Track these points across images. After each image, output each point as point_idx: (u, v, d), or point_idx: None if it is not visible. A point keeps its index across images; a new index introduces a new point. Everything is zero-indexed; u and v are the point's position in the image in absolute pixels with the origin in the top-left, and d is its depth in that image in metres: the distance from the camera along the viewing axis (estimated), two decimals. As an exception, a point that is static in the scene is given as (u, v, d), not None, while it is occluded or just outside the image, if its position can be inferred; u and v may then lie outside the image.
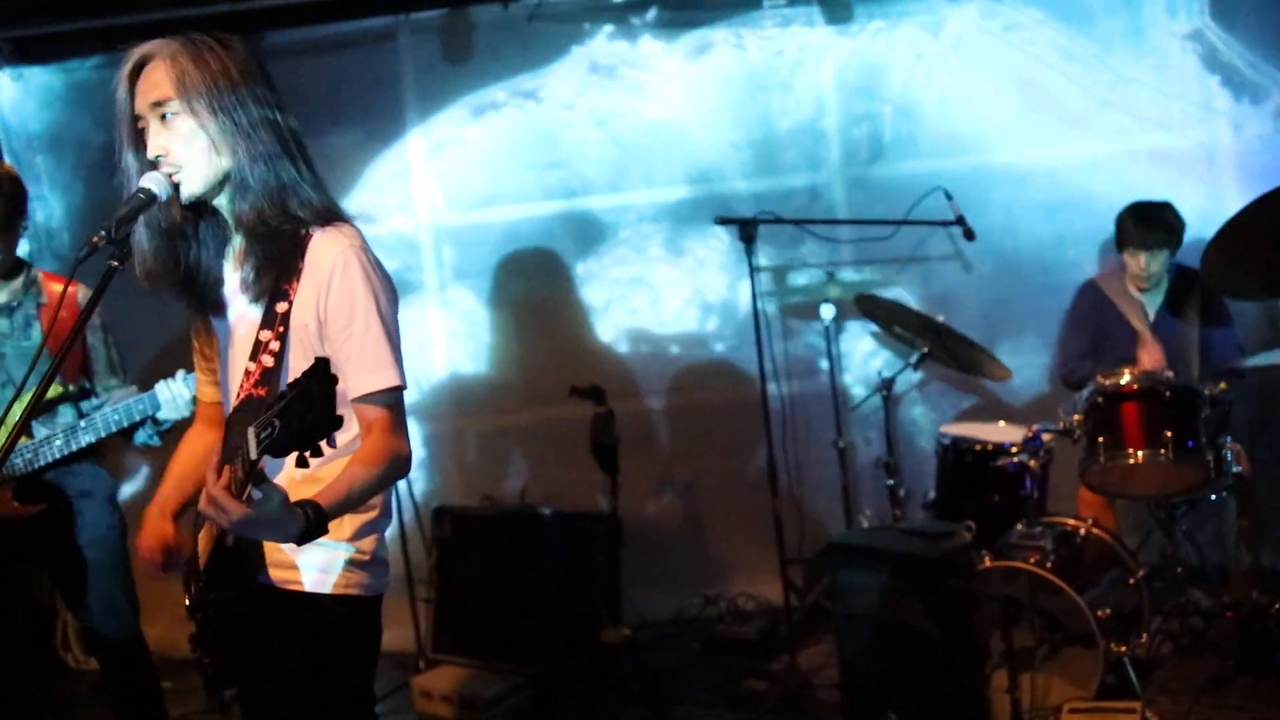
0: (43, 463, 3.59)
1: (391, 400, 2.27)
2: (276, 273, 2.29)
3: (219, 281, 2.41)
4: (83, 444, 3.59)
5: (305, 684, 2.33)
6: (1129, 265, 4.85)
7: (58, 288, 3.82)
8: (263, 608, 2.33)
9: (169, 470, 2.63)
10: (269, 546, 2.31)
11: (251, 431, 1.88)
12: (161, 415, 3.53)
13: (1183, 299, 4.88)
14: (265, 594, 2.33)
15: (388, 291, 2.33)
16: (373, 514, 2.37)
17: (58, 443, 3.58)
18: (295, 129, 2.38)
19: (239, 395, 2.30)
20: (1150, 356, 4.72)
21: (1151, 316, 4.91)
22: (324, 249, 2.29)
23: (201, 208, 2.33)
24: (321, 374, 1.82)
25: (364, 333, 2.26)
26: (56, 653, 5.42)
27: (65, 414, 3.76)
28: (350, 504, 2.19)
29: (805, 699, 4.55)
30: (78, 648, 5.39)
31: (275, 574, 2.33)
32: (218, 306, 2.43)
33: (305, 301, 2.28)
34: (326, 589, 2.33)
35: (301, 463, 1.89)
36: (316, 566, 2.33)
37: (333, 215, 2.35)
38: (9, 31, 5.44)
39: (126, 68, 2.25)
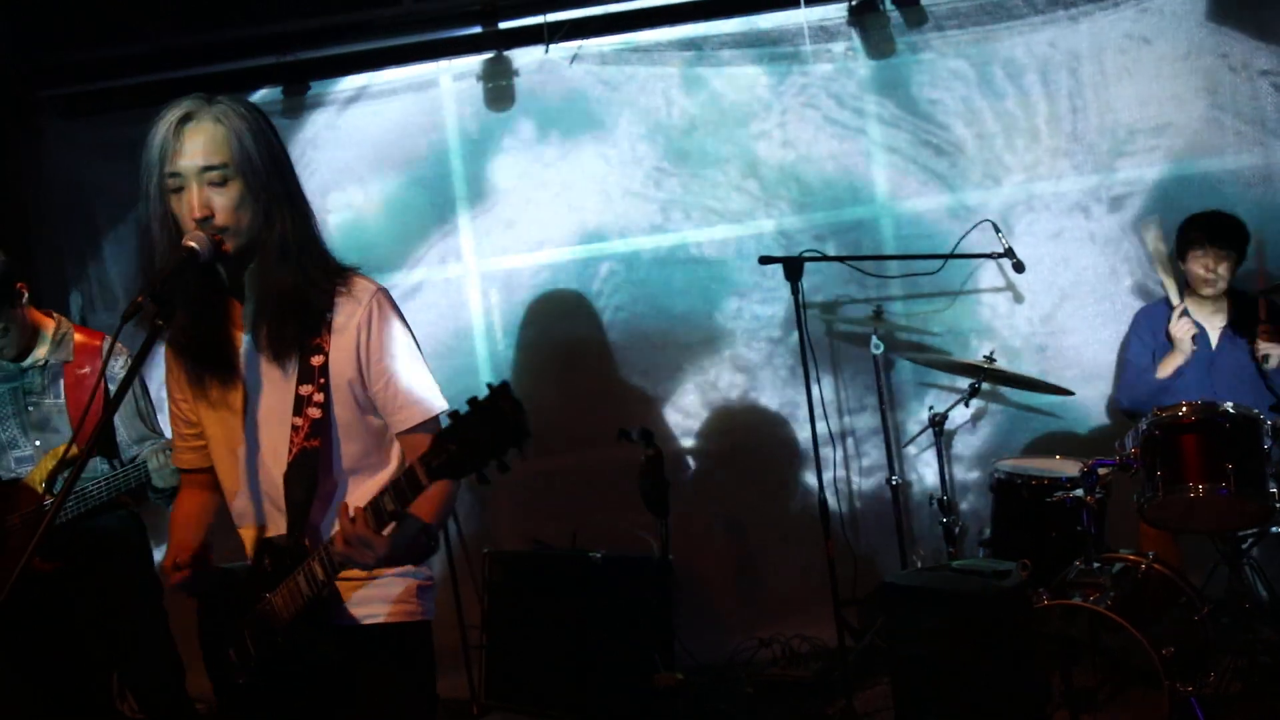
0: (59, 520, 3.60)
1: (439, 423, 2.40)
2: (304, 329, 2.35)
3: (229, 342, 2.44)
4: (78, 512, 3.66)
5: (403, 714, 2.46)
6: (1194, 270, 4.77)
7: (82, 339, 3.90)
8: (350, 650, 2.40)
9: (172, 531, 2.65)
10: (347, 589, 2.41)
11: (416, 464, 2.04)
12: (155, 483, 3.58)
13: (1245, 324, 4.78)
14: (350, 636, 2.41)
15: (409, 325, 2.49)
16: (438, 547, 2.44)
17: (71, 503, 3.64)
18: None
19: (291, 451, 2.36)
20: (1179, 327, 4.71)
21: (1214, 342, 4.81)
22: (353, 299, 2.40)
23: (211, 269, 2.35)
24: (506, 393, 1.93)
25: (408, 368, 2.41)
26: (113, 703, 5.45)
27: (94, 468, 3.80)
28: (443, 522, 2.34)
29: (862, 743, 4.47)
30: (134, 698, 5.41)
31: (359, 611, 2.42)
32: (230, 368, 2.45)
33: (343, 351, 2.38)
34: (409, 618, 2.48)
35: (483, 479, 1.96)
36: (399, 598, 2.46)
37: (343, 266, 2.45)
38: (59, 90, 5.56)
39: (169, 124, 2.27)
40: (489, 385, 1.94)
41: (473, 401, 1.93)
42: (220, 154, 2.26)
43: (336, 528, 2.21)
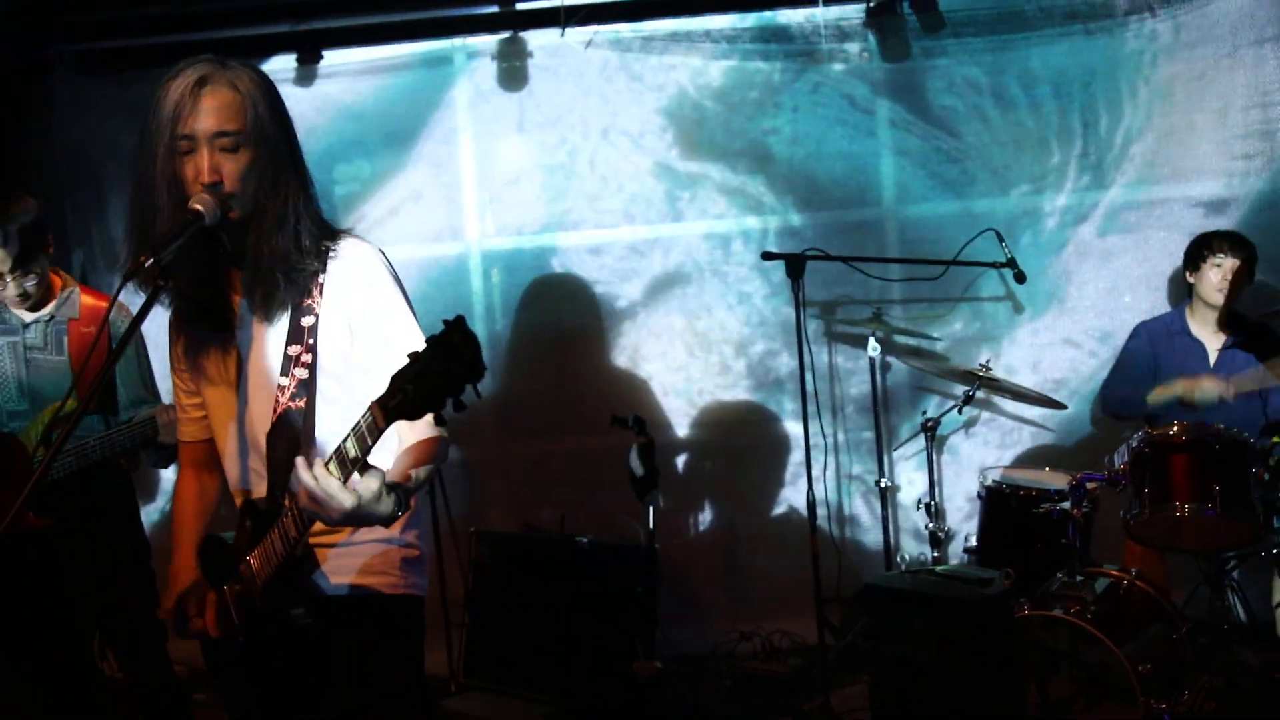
0: (55, 476, 3.60)
1: None
2: (297, 292, 2.34)
3: (228, 308, 2.44)
4: (74, 468, 3.64)
5: (380, 686, 2.41)
6: (1209, 278, 4.74)
7: (89, 300, 3.89)
8: (326, 618, 2.36)
9: (176, 528, 2.64)
10: (323, 555, 2.38)
11: (373, 407, 1.95)
12: (163, 439, 3.57)
13: (1244, 346, 4.79)
14: (326, 605, 2.37)
15: (403, 286, 2.44)
16: (411, 509, 2.39)
17: (69, 459, 3.62)
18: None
19: (276, 411, 2.34)
20: (1214, 384, 4.60)
21: (1212, 360, 4.82)
22: (346, 261, 2.38)
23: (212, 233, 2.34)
24: (460, 327, 1.85)
25: (405, 334, 2.33)
26: (94, 662, 5.45)
27: (89, 425, 3.79)
28: (419, 485, 2.24)
29: (837, 741, 4.49)
30: (115, 658, 5.40)
31: (336, 580, 2.39)
32: (228, 333, 2.45)
33: (334, 312, 2.36)
34: (390, 590, 2.42)
35: (440, 421, 1.92)
36: (377, 569, 2.41)
37: (337, 229, 2.44)
38: (73, 46, 5.56)
39: (185, 85, 2.24)
40: (445, 321, 1.85)
41: (429, 339, 1.87)
42: (236, 121, 2.24)
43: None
